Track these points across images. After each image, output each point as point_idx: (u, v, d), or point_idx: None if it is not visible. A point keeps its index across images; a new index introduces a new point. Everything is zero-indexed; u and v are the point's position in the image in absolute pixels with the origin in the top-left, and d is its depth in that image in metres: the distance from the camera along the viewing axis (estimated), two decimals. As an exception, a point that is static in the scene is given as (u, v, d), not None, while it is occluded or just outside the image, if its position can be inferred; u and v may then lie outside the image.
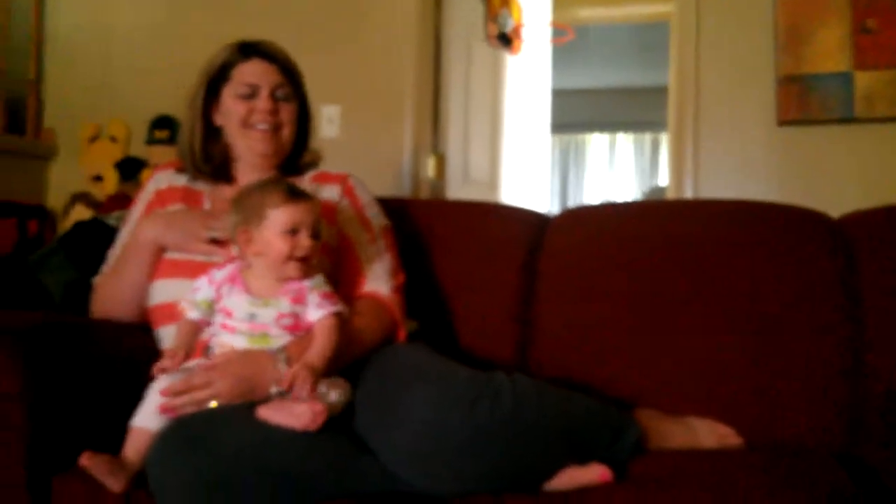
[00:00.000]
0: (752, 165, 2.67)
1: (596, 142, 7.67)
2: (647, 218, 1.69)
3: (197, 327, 1.23)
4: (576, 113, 7.05)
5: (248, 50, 1.47)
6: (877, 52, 2.53)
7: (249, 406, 1.12)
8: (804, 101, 2.59)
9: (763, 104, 2.65)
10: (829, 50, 2.57)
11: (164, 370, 1.17)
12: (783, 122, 2.63)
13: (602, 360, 1.51)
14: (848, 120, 2.56)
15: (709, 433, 1.33)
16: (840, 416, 1.38)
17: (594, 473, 1.10)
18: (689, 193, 2.70)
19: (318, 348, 1.18)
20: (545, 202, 4.04)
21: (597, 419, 1.22)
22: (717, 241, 1.55)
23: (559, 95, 4.32)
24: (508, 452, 1.09)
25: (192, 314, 1.23)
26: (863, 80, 2.54)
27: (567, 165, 7.69)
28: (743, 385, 1.41)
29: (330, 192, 1.48)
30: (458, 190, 3.09)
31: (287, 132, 1.48)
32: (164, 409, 1.14)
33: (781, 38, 2.62)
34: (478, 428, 1.07)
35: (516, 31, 3.59)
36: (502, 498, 1.07)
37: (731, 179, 2.68)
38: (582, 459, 1.13)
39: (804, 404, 1.39)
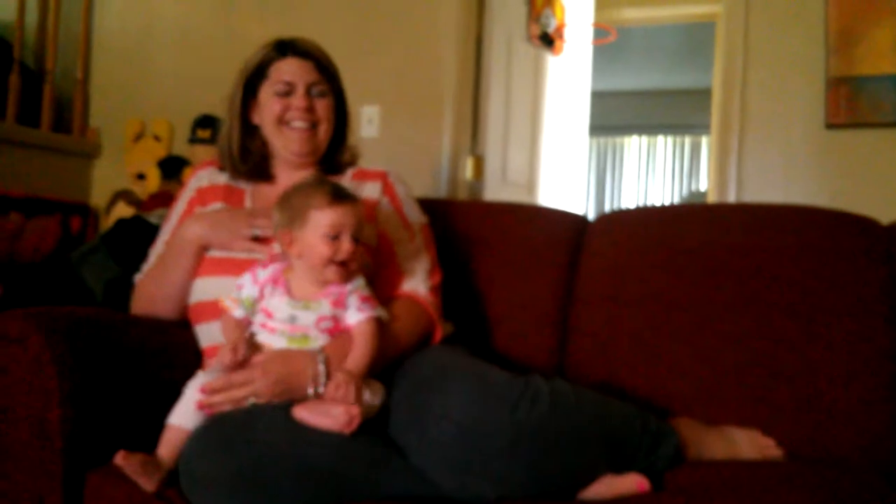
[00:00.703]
0: (798, 169, 2.60)
1: (634, 144, 7.58)
2: (689, 222, 1.65)
3: (242, 325, 1.23)
4: (614, 115, 6.98)
5: (285, 48, 1.47)
6: (931, 54, 2.45)
7: (286, 406, 1.12)
8: (854, 103, 2.52)
9: (811, 106, 2.59)
10: (882, 51, 2.50)
11: (226, 364, 1.16)
12: (831, 125, 2.56)
13: (640, 367, 1.48)
14: (900, 123, 2.49)
15: (749, 444, 1.29)
16: (887, 430, 1.33)
17: (631, 483, 1.08)
18: (731, 197, 2.65)
19: (359, 355, 1.18)
20: (582, 205, 4.00)
21: (635, 426, 1.20)
22: (761, 246, 1.50)
23: (598, 97, 4.28)
24: (545, 456, 1.07)
25: (237, 312, 1.23)
26: (917, 82, 2.47)
27: (604, 168, 7.62)
28: (785, 395, 1.37)
29: (370, 190, 1.48)
30: (495, 191, 3.07)
31: (323, 130, 1.48)
32: (202, 406, 1.15)
33: (832, 39, 2.56)
34: (515, 430, 1.05)
35: (559, 31, 3.56)
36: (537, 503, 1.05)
37: (776, 183, 2.62)
38: (619, 467, 1.12)
39: (849, 417, 1.34)
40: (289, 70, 1.45)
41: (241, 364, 1.16)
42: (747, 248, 1.51)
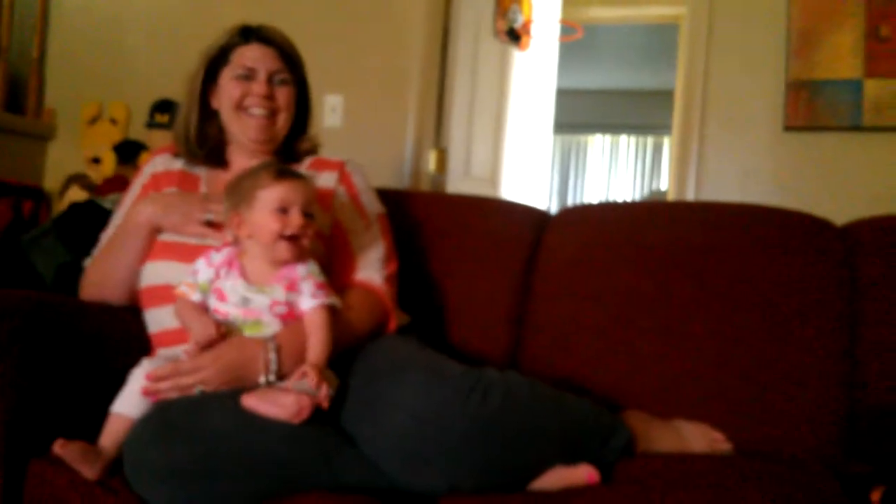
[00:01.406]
0: (756, 170, 2.65)
1: (598, 143, 7.65)
2: (649, 219, 1.66)
3: (203, 308, 1.21)
4: (578, 113, 7.03)
5: (249, 34, 1.45)
6: (889, 60, 2.51)
7: (234, 394, 1.10)
8: (812, 106, 2.57)
9: (770, 109, 2.63)
10: (841, 56, 2.55)
11: (203, 342, 1.15)
12: (790, 128, 2.60)
13: (596, 362, 1.49)
14: (856, 128, 2.53)
15: (699, 437, 1.31)
16: (834, 427, 1.35)
17: (581, 474, 1.09)
18: (690, 196, 2.68)
19: (315, 344, 1.17)
20: (545, 201, 4.02)
21: (587, 420, 1.20)
22: (719, 244, 1.51)
23: (564, 95, 4.30)
24: (497, 448, 1.07)
25: (195, 296, 1.21)
26: (873, 88, 2.52)
27: (568, 165, 7.67)
28: (739, 391, 1.39)
29: (326, 179, 1.46)
30: (458, 185, 3.07)
31: (282, 119, 1.46)
32: (147, 393, 1.12)
33: (794, 43, 2.60)
34: (468, 422, 1.05)
35: (525, 27, 3.56)
36: (489, 496, 1.04)
37: (734, 184, 2.66)
38: (571, 459, 1.11)
39: (801, 415, 1.36)
40: (251, 56, 1.43)
41: (218, 342, 1.15)
42: (706, 246, 1.52)
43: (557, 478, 1.09)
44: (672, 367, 1.44)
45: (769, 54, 2.65)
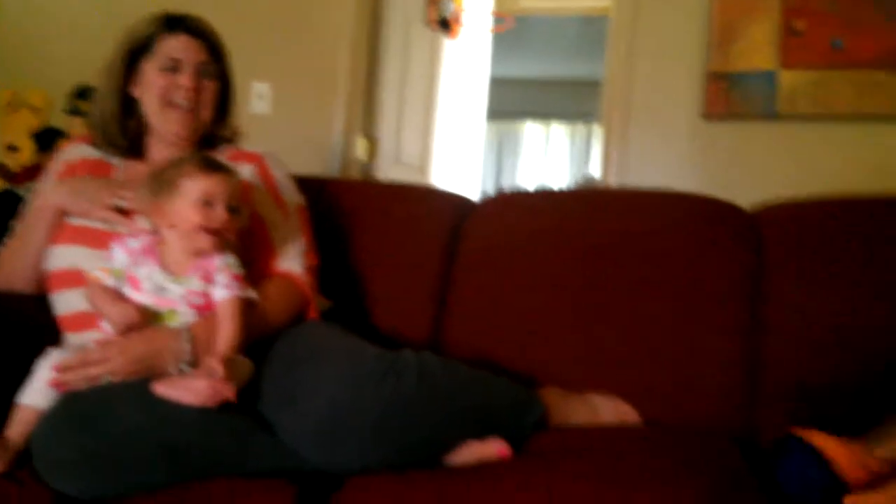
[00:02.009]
0: (677, 158, 2.72)
1: (530, 130, 7.74)
2: (569, 206, 1.70)
3: (117, 293, 1.19)
4: (512, 101, 7.10)
5: (175, 23, 1.42)
6: (802, 53, 2.60)
7: (144, 382, 1.09)
8: (729, 96, 2.65)
9: (691, 98, 2.70)
10: (757, 47, 2.63)
11: (125, 324, 1.13)
12: (708, 117, 2.68)
13: (514, 342, 1.52)
14: (771, 117, 2.63)
15: (609, 410, 1.35)
16: (742, 402, 1.41)
17: (493, 448, 1.11)
18: (616, 182, 2.74)
19: (224, 336, 1.16)
20: (478, 188, 4.05)
21: (501, 397, 1.23)
22: (635, 229, 1.56)
23: (496, 83, 4.34)
24: (411, 429, 1.09)
25: (109, 281, 1.19)
26: (787, 78, 2.61)
27: (502, 153, 7.74)
28: (648, 367, 1.44)
29: (244, 172, 1.44)
30: (389, 172, 3.08)
31: (206, 113, 1.44)
32: (55, 384, 1.10)
33: (715, 35, 2.67)
34: (383, 405, 1.06)
35: (456, 16, 3.58)
36: (404, 474, 1.06)
37: (657, 171, 2.73)
38: (486, 435, 1.13)
39: (708, 389, 1.41)
40: (178, 47, 1.40)
41: (137, 326, 1.14)
42: (623, 231, 1.57)
43: (469, 453, 1.11)
44: (588, 345, 1.48)
45: (691, 46, 2.71)
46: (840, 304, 1.40)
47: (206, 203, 1.18)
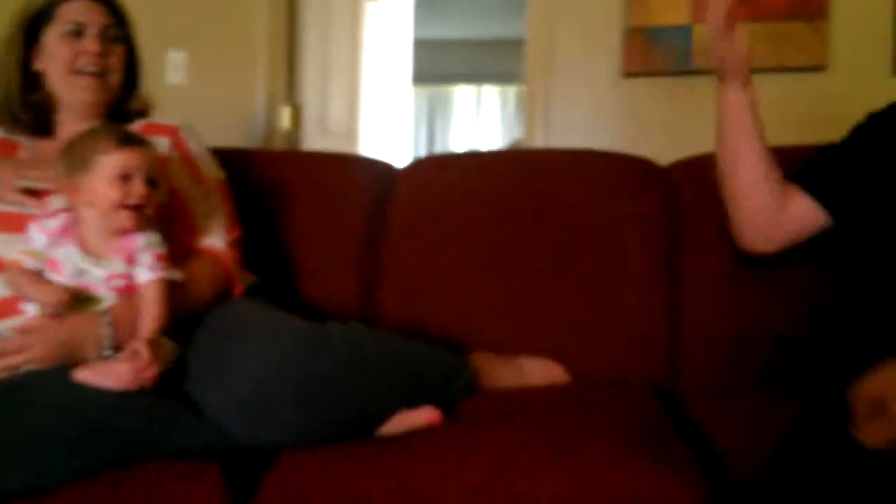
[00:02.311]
0: (600, 116, 2.76)
1: (462, 94, 7.71)
2: (493, 168, 1.72)
3: (41, 276, 1.15)
4: (442, 64, 7.05)
5: None
6: (714, 6, 2.64)
7: (64, 368, 1.06)
8: (647, 52, 2.69)
9: (611, 56, 2.73)
10: (672, 2, 2.67)
11: (56, 309, 1.10)
12: (628, 74, 2.72)
13: (446, 307, 1.54)
14: (687, 72, 2.68)
15: (538, 372, 1.39)
16: (662, 353, 1.46)
17: (424, 416, 1.13)
18: (540, 143, 2.77)
19: (149, 319, 1.14)
20: (408, 154, 4.04)
21: (430, 364, 1.25)
22: (553, 189, 1.59)
23: (425, 46, 4.30)
24: (339, 401, 1.09)
25: (30, 263, 1.15)
26: (701, 32, 2.65)
27: (434, 117, 7.70)
28: (574, 325, 1.48)
29: (159, 145, 1.40)
30: (315, 141, 3.03)
31: (115, 79, 1.40)
32: (-27, 375, 1.07)
33: (630, -9, 2.70)
34: (309, 378, 1.06)
35: (376, -23, 3.52)
36: (332, 446, 1.07)
37: (580, 130, 2.76)
38: (416, 403, 1.15)
39: (630, 342, 1.46)
40: (79, 9, 1.36)
41: (67, 305, 1.11)
42: (542, 190, 1.60)
43: (401, 421, 1.12)
44: (514, 308, 1.51)
45: (607, 2, 2.74)
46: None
47: (124, 178, 1.15)
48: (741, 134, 1.28)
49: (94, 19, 1.36)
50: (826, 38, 2.59)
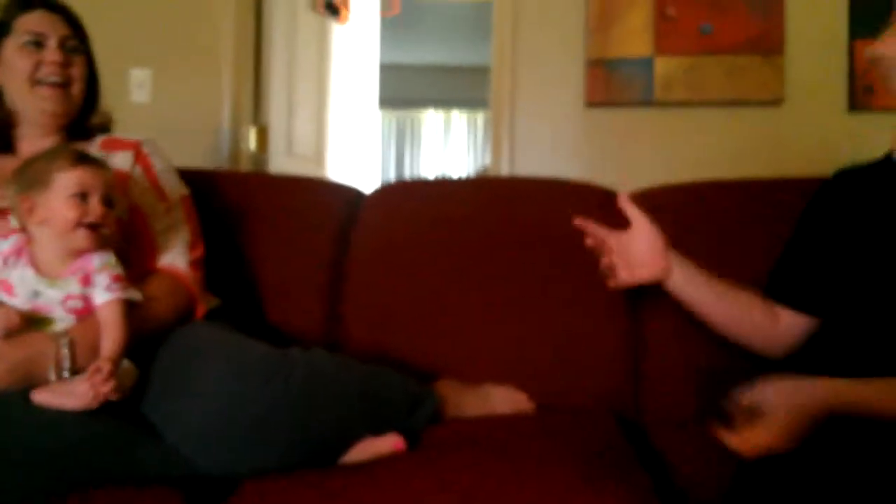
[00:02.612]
0: (563, 145, 2.80)
1: (431, 119, 7.76)
2: (458, 195, 1.73)
3: None
4: (411, 89, 7.09)
5: (30, 0, 1.36)
6: (676, 39, 2.72)
7: (24, 391, 1.05)
8: (609, 83, 2.74)
9: (574, 86, 2.78)
10: (634, 34, 2.73)
11: (8, 333, 1.08)
12: (590, 104, 2.77)
13: (411, 334, 1.54)
14: (648, 103, 2.74)
15: (503, 400, 1.39)
16: (623, 382, 1.48)
17: (388, 443, 1.12)
18: (506, 170, 2.79)
19: (111, 344, 1.12)
20: (377, 178, 4.04)
21: (394, 391, 1.24)
22: (520, 217, 1.60)
23: (394, 71, 4.33)
24: (301, 427, 1.09)
25: None
26: (662, 65, 2.72)
27: (403, 141, 7.73)
28: (538, 354, 1.48)
29: (121, 160, 1.39)
30: (281, 164, 3.02)
31: (77, 89, 1.39)
32: (-74, 400, 1.04)
33: (592, 22, 2.75)
34: (270, 403, 1.06)
35: (344, 0, 3.54)
36: (294, 474, 1.06)
37: (544, 158, 2.80)
38: (380, 430, 1.15)
39: (593, 372, 1.47)
40: (38, 21, 1.35)
41: (17, 328, 1.09)
42: (506, 219, 1.61)
43: (365, 449, 1.12)
44: (480, 335, 1.51)
45: (572, 32, 2.78)
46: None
47: (81, 196, 1.14)
48: (702, 303, 1.31)
49: (54, 30, 1.36)
50: (782, 72, 2.67)
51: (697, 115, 2.74)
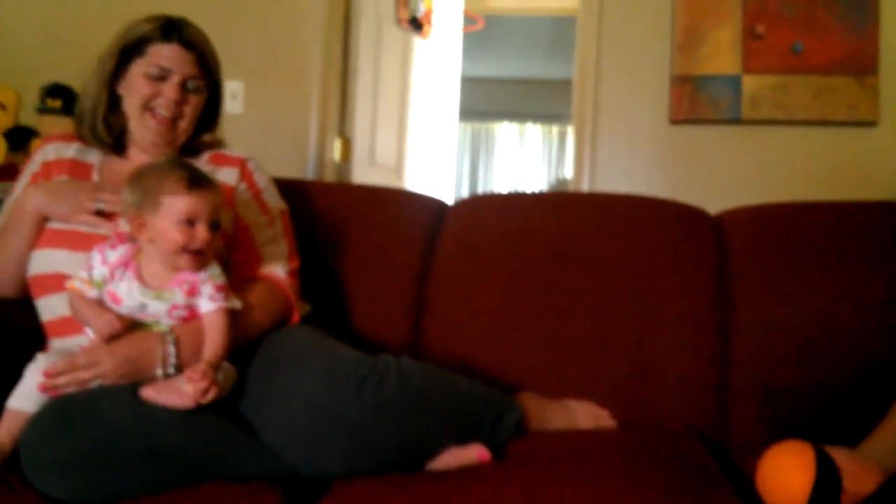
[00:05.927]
0: (645, 161, 2.78)
1: (505, 131, 7.78)
2: (540, 209, 1.74)
3: (101, 304, 1.19)
4: (487, 101, 7.14)
5: (171, 32, 1.40)
6: (764, 57, 2.67)
7: (132, 386, 1.10)
8: (695, 100, 2.71)
9: (657, 102, 2.76)
10: (722, 52, 2.70)
11: (107, 334, 1.14)
12: (675, 121, 2.74)
13: (490, 345, 1.56)
14: (735, 121, 2.70)
15: (585, 415, 1.40)
16: (709, 401, 1.47)
17: (473, 453, 1.14)
18: (586, 185, 2.79)
19: (212, 347, 1.17)
20: (451, 188, 4.08)
21: (480, 401, 1.26)
22: (602, 233, 1.61)
23: (471, 83, 4.38)
24: (391, 432, 1.11)
25: (92, 293, 1.18)
26: (750, 83, 2.68)
27: (477, 153, 7.78)
28: (620, 370, 1.48)
29: (227, 176, 1.45)
30: (363, 173, 3.09)
31: (184, 125, 1.44)
32: (45, 389, 1.11)
33: (678, 39, 2.73)
34: (362, 406, 1.09)
35: (427, 15, 3.61)
36: (383, 477, 1.09)
37: (625, 174, 2.78)
38: (464, 439, 1.17)
39: (676, 389, 1.47)
40: (168, 56, 1.39)
41: (119, 335, 1.15)
42: (591, 235, 1.61)
43: (451, 458, 1.14)
44: (560, 348, 1.52)
45: (656, 49, 2.77)
46: (804, 307, 1.46)
47: (189, 222, 1.17)
48: None
49: (180, 68, 1.40)
50: (876, 93, 2.60)
51: (785, 135, 2.68)
